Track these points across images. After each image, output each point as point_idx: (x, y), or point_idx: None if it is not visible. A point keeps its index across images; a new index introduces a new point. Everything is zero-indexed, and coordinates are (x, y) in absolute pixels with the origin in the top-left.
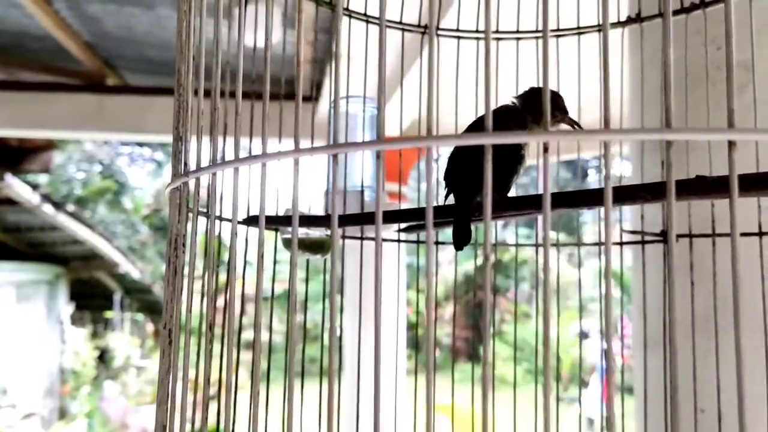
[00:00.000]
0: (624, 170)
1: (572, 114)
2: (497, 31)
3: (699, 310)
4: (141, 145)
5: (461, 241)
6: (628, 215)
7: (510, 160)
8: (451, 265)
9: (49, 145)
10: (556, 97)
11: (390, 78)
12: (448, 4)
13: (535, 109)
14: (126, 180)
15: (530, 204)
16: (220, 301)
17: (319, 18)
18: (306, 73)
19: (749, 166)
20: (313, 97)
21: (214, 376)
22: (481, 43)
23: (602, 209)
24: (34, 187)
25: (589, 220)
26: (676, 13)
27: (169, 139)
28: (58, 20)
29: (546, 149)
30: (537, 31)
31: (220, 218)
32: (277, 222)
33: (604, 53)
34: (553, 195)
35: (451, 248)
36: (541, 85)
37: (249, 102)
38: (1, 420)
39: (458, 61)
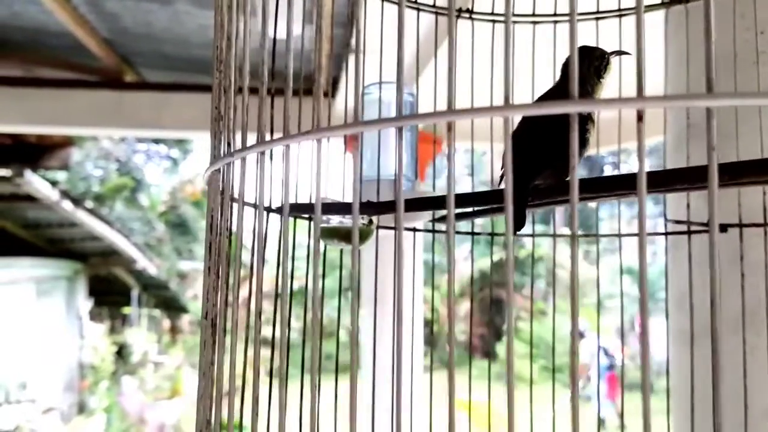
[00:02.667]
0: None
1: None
2: (516, 14)
3: (748, 304)
4: (157, 142)
5: (516, 224)
6: (669, 205)
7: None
8: (466, 261)
9: (67, 142)
10: (591, 54)
11: (413, 62)
12: None
13: (583, 73)
14: (142, 177)
15: (605, 186)
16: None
17: (337, 12)
18: (324, 68)
19: None
20: (330, 93)
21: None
22: (509, 26)
23: (627, 206)
24: (53, 183)
25: (605, 216)
26: None
27: (185, 135)
28: (76, 16)
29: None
30: (555, 14)
31: (269, 210)
32: (310, 210)
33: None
34: (613, 178)
35: (467, 245)
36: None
37: (290, 76)
38: (22, 414)
39: (493, 44)
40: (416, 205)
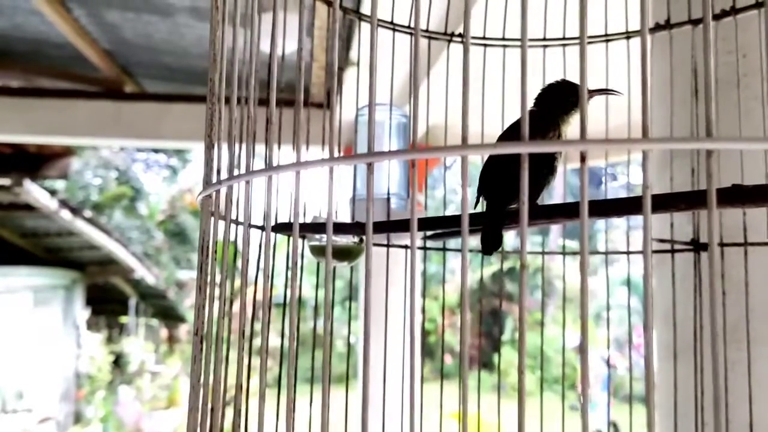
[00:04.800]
0: (637, 178)
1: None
2: (505, 38)
3: (729, 320)
4: (156, 151)
5: (491, 246)
6: (654, 224)
7: (543, 168)
8: (460, 274)
9: (67, 152)
10: (574, 88)
11: (407, 85)
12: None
13: (555, 105)
14: (141, 186)
15: (562, 212)
16: (237, 308)
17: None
18: (320, 80)
19: None
20: (325, 105)
21: (232, 381)
22: (508, 50)
23: (625, 218)
24: (52, 192)
25: (601, 227)
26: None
27: (184, 145)
28: (77, 28)
29: (583, 159)
30: (564, 38)
31: (252, 226)
32: (305, 229)
33: (643, 60)
34: (588, 203)
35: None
36: (552, 82)
37: (273, 110)
38: (18, 424)
39: (485, 69)
40: (406, 225)
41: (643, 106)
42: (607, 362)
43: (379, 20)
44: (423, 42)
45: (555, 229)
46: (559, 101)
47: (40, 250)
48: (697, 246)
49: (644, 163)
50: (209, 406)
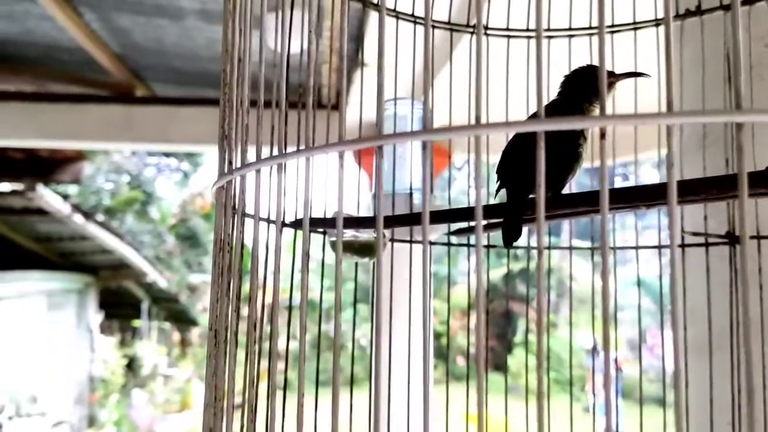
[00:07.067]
0: (649, 178)
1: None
2: (548, 29)
3: (766, 315)
4: (167, 155)
5: (511, 237)
6: (687, 218)
7: (567, 154)
8: (475, 273)
9: (79, 156)
10: (594, 73)
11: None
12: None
13: (581, 91)
14: (153, 190)
15: (586, 201)
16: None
17: (347, 25)
18: (332, 82)
19: None
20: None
21: (241, 384)
22: (532, 42)
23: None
24: (65, 197)
25: (618, 226)
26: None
27: (195, 148)
28: (88, 32)
29: (603, 135)
30: (591, 28)
31: (268, 220)
32: (324, 224)
33: (666, 40)
34: (612, 192)
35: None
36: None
37: (283, 100)
38: (32, 428)
39: (508, 60)
40: (431, 218)
41: (667, 79)
42: (616, 364)
43: (399, 12)
44: (444, 33)
45: (566, 230)
46: (584, 87)
47: (53, 254)
48: (732, 239)
49: (669, 140)
50: (224, 402)
